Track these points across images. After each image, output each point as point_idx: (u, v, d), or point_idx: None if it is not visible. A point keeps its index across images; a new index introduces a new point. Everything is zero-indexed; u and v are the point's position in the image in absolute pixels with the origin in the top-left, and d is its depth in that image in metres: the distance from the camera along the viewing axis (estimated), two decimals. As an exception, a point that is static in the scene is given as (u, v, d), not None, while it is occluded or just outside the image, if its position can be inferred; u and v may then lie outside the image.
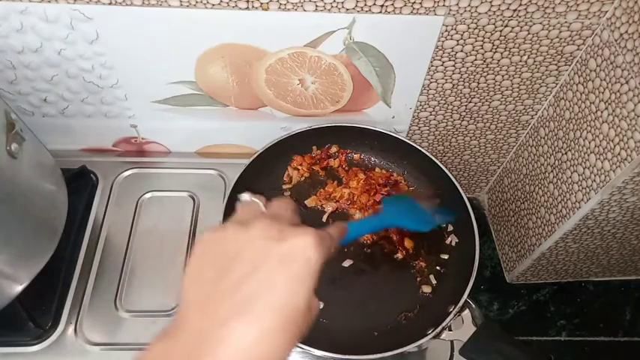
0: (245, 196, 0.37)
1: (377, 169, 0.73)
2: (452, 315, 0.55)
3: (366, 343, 0.58)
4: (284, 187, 0.71)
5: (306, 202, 0.69)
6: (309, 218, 0.68)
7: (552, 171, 0.69)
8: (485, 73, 0.64)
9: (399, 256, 0.66)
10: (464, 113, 0.72)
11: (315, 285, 0.31)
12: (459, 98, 0.68)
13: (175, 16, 0.54)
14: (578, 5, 0.54)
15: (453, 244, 0.66)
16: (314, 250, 0.31)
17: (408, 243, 0.66)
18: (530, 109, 0.71)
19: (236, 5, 0.53)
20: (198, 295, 0.30)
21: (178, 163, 0.77)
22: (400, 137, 0.70)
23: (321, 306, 0.61)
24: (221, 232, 0.32)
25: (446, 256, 0.66)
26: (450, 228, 0.67)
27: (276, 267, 0.30)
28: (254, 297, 0.29)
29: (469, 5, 0.54)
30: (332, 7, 0.54)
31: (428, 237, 0.67)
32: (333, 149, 0.74)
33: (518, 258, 0.81)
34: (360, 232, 0.49)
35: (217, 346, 0.27)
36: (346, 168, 0.73)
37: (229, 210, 0.61)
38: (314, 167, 0.73)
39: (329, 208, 0.69)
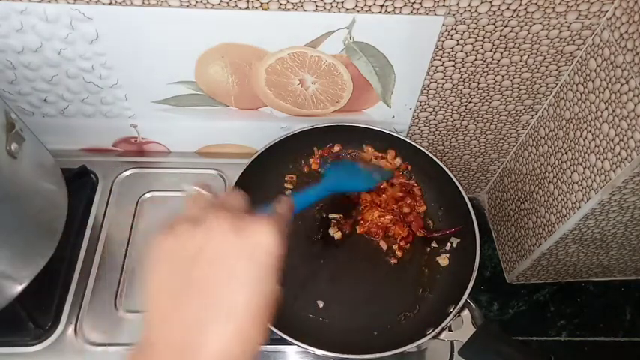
0: (190, 189, 0.36)
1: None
2: (452, 315, 0.55)
3: (366, 342, 0.57)
4: (285, 186, 0.71)
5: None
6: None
7: (552, 171, 0.69)
8: (485, 73, 0.64)
9: (399, 254, 0.66)
10: (464, 113, 0.72)
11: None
12: (459, 98, 0.68)
13: (175, 16, 0.54)
14: (578, 5, 0.54)
15: (454, 244, 0.66)
16: (275, 240, 0.30)
17: (420, 208, 0.70)
18: (530, 109, 0.71)
19: (236, 5, 0.53)
20: (165, 304, 0.30)
21: (178, 163, 0.77)
22: (402, 137, 0.70)
23: (322, 305, 0.61)
24: (174, 233, 0.31)
25: (446, 256, 0.66)
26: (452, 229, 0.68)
27: (239, 262, 0.29)
28: (223, 297, 0.29)
29: (469, 5, 0.54)
30: (332, 7, 0.54)
31: (429, 237, 0.68)
32: (336, 148, 0.74)
33: (518, 258, 0.81)
34: (305, 203, 0.50)
35: (198, 354, 0.27)
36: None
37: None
38: (324, 167, 0.73)
39: (336, 215, 0.69)
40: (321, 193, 0.55)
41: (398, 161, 0.72)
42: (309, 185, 0.54)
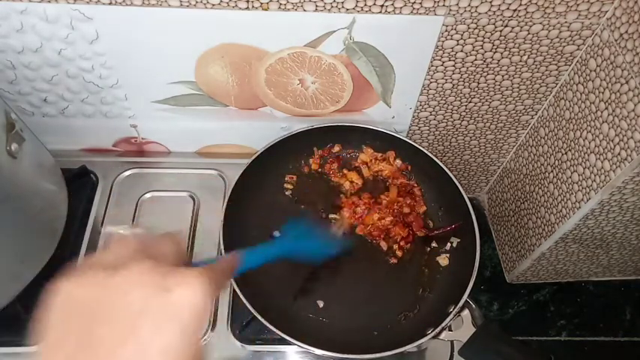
0: (115, 230, 0.31)
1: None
2: (452, 315, 0.55)
3: (366, 342, 0.57)
4: (285, 186, 0.71)
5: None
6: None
7: (552, 171, 0.69)
8: (485, 73, 0.64)
9: (399, 254, 0.66)
10: (464, 113, 0.72)
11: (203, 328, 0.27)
12: (459, 98, 0.68)
13: (175, 16, 0.54)
14: (578, 5, 0.54)
15: (454, 244, 0.66)
16: (203, 298, 0.27)
17: (420, 208, 0.70)
18: (530, 109, 0.71)
19: (236, 5, 0.53)
20: None
21: (178, 163, 0.77)
22: (402, 137, 0.70)
23: (322, 305, 0.61)
24: (85, 280, 0.27)
25: (446, 256, 0.66)
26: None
27: (160, 323, 0.25)
28: None
29: (469, 5, 0.54)
30: (332, 7, 0.54)
31: (430, 235, 0.68)
32: (336, 148, 0.74)
33: (518, 258, 0.81)
34: (256, 261, 0.44)
35: None
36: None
37: (230, 212, 0.61)
38: (324, 167, 0.73)
39: (336, 215, 0.69)
40: (273, 256, 0.48)
41: (398, 162, 0.72)
42: (263, 243, 0.49)
